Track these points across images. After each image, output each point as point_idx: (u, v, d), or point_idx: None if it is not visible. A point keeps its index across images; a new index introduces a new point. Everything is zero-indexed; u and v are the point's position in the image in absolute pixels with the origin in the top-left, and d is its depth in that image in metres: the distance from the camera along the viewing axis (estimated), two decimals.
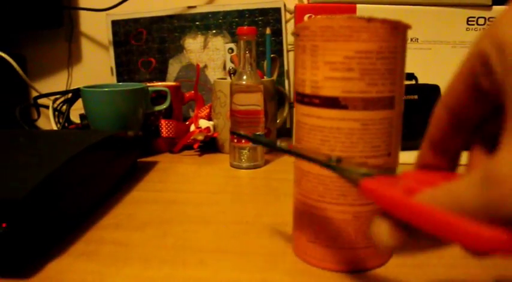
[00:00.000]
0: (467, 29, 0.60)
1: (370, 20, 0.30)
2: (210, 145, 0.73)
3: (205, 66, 0.87)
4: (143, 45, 0.88)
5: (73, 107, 0.78)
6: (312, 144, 0.32)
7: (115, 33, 0.89)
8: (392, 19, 0.30)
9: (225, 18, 0.85)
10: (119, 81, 0.90)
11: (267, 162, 0.65)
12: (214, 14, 0.85)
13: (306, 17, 0.59)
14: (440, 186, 0.18)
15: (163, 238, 0.40)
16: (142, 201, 0.50)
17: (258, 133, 0.62)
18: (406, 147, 0.56)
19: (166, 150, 0.72)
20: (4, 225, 0.32)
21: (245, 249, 0.38)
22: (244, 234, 0.41)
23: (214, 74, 0.87)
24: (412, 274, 0.34)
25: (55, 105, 0.79)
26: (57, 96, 0.80)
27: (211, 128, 0.71)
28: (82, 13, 0.96)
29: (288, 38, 0.85)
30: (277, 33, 0.84)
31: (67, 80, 0.99)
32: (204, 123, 0.71)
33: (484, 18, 0.59)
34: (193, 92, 0.76)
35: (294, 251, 0.37)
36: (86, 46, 0.98)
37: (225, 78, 0.74)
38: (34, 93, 0.89)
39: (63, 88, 0.97)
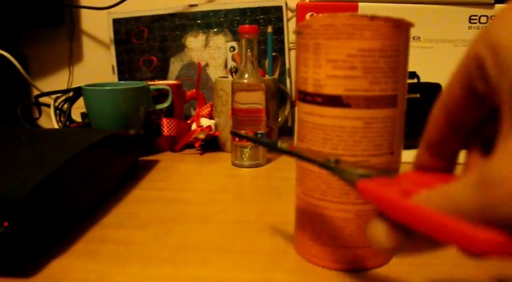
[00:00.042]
0: (469, 28, 0.60)
1: (372, 18, 0.30)
2: (211, 144, 0.73)
3: (207, 65, 0.87)
4: (144, 43, 0.88)
5: (74, 106, 0.78)
6: (314, 142, 0.32)
7: (116, 32, 0.89)
8: (395, 17, 0.30)
9: (227, 16, 0.85)
10: (120, 79, 0.90)
11: (268, 160, 0.65)
12: (216, 12, 0.85)
13: (307, 16, 0.59)
14: (437, 188, 0.18)
15: (165, 237, 0.40)
16: (143, 200, 0.50)
17: (259, 132, 0.62)
18: (408, 146, 0.56)
19: (167, 149, 0.72)
20: (6, 224, 0.32)
21: (247, 248, 0.38)
22: (246, 233, 0.41)
23: (215, 73, 0.87)
24: (414, 273, 0.33)
25: (56, 103, 0.79)
26: (59, 94, 0.80)
27: (213, 127, 0.70)
28: (83, 11, 0.96)
29: (290, 37, 0.85)
30: (279, 31, 0.84)
31: (68, 79, 0.99)
32: (205, 121, 0.71)
33: (486, 16, 0.59)
34: (194, 90, 0.76)
35: (296, 249, 0.37)
36: (87, 44, 0.98)
37: (226, 77, 0.74)
38: (35, 92, 0.89)
39: (64, 87, 0.97)
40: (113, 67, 0.90)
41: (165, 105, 0.70)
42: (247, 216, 0.45)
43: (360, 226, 0.33)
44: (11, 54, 0.82)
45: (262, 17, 0.84)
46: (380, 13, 0.30)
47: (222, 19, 0.85)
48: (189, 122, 0.74)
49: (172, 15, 0.87)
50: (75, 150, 0.43)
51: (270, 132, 0.71)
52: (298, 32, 0.33)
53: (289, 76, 0.85)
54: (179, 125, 0.71)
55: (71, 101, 0.78)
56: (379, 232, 0.21)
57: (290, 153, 0.29)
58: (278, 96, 0.74)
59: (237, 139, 0.63)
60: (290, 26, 0.85)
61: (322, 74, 0.31)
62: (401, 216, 0.19)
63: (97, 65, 0.97)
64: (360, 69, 0.30)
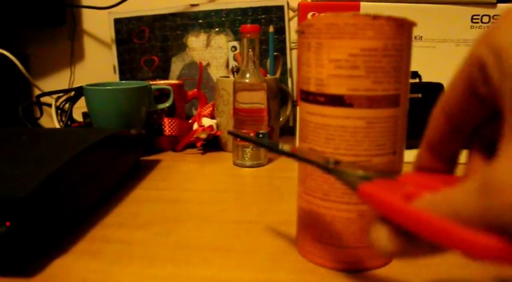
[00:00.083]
0: (471, 27, 0.59)
1: (375, 17, 0.29)
2: (213, 143, 0.73)
3: (208, 65, 0.87)
4: (146, 43, 0.88)
5: (76, 105, 0.78)
6: (316, 142, 0.32)
7: (118, 32, 0.89)
8: (398, 16, 0.30)
9: (228, 16, 0.85)
10: (121, 79, 0.90)
11: (270, 160, 0.65)
12: (217, 12, 0.85)
13: (309, 15, 0.59)
14: (438, 193, 0.18)
15: (166, 236, 0.40)
16: (145, 199, 0.50)
17: (261, 131, 0.62)
18: (409, 146, 0.56)
19: (169, 149, 0.72)
20: (7, 223, 0.32)
21: (249, 247, 0.38)
22: (248, 233, 0.41)
23: (217, 72, 0.87)
24: (417, 273, 0.33)
25: (58, 103, 0.79)
26: (60, 94, 0.80)
27: (214, 126, 0.70)
28: (84, 11, 0.96)
29: (291, 36, 0.85)
30: (280, 31, 0.84)
31: (70, 78, 0.99)
32: (207, 121, 0.71)
33: (489, 16, 0.59)
34: (196, 90, 0.76)
35: (298, 249, 0.37)
36: (88, 44, 0.98)
37: (228, 77, 0.74)
38: (37, 92, 0.89)
39: (65, 86, 0.97)
40: (114, 67, 0.90)
41: (167, 104, 0.70)
42: (249, 216, 0.45)
43: (362, 226, 0.33)
44: (12, 53, 0.82)
45: (263, 16, 0.84)
46: (382, 12, 0.30)
47: (223, 19, 0.85)
48: (190, 121, 0.74)
49: (173, 15, 0.87)
50: (76, 150, 0.43)
51: (271, 132, 0.71)
52: (300, 32, 0.33)
53: (291, 76, 0.85)
54: (181, 125, 0.71)
55: (73, 100, 0.78)
56: (381, 236, 0.21)
57: (290, 155, 0.29)
58: (279, 96, 0.73)
59: (238, 139, 0.63)
60: (291, 26, 0.85)
61: (324, 73, 0.31)
62: (402, 221, 0.19)
63: (98, 65, 0.97)
64: (363, 68, 0.30)
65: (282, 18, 0.83)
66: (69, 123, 0.78)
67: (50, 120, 0.86)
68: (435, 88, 0.61)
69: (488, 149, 0.21)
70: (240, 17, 0.85)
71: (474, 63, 0.19)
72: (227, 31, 0.86)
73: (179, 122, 0.71)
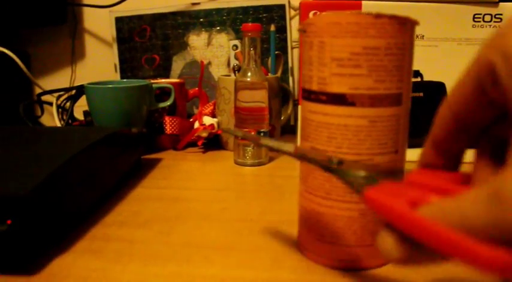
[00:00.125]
0: (473, 26, 0.59)
1: (377, 16, 0.29)
2: (214, 142, 0.73)
3: (209, 63, 0.87)
4: (147, 42, 0.88)
5: (77, 104, 0.78)
6: (318, 141, 0.32)
7: (119, 30, 0.89)
8: (401, 15, 0.30)
9: (229, 15, 0.85)
10: (122, 78, 0.90)
11: (271, 159, 0.65)
12: (218, 10, 0.85)
13: (310, 14, 0.59)
14: (446, 200, 0.18)
15: (167, 235, 0.40)
16: (146, 198, 0.49)
17: (262, 130, 0.62)
18: (411, 145, 0.55)
19: (170, 147, 0.72)
20: (9, 222, 0.32)
21: (250, 246, 0.38)
22: (249, 232, 0.41)
23: (218, 71, 0.87)
24: (417, 272, 0.33)
25: (59, 102, 0.79)
26: (61, 93, 0.80)
27: (215, 125, 0.70)
28: (86, 10, 0.96)
29: (292, 35, 0.85)
30: (282, 30, 0.83)
31: (71, 77, 0.99)
32: (208, 120, 0.70)
33: (491, 15, 0.59)
34: (197, 88, 0.76)
35: (300, 248, 0.37)
36: (89, 43, 0.98)
37: (229, 75, 0.73)
38: (38, 90, 0.89)
39: (66, 85, 0.97)
40: (115, 65, 0.90)
41: (168, 103, 0.70)
42: (250, 214, 0.45)
43: (364, 225, 0.33)
44: (13, 52, 0.82)
45: (264, 15, 0.84)
46: (383, 11, 0.30)
47: (224, 17, 0.85)
48: (191, 120, 0.74)
49: (174, 14, 0.87)
50: (77, 148, 0.43)
51: (272, 131, 0.71)
52: (302, 30, 0.33)
53: (292, 75, 0.85)
54: (182, 123, 0.71)
55: (74, 99, 0.78)
56: (387, 243, 0.21)
57: (293, 155, 0.29)
58: (281, 94, 0.73)
59: (239, 138, 0.63)
60: (293, 25, 0.85)
61: (326, 72, 0.31)
62: (408, 229, 0.19)
63: (99, 63, 0.97)
64: (365, 67, 0.30)
65: (283, 17, 0.83)
66: (70, 121, 0.78)
67: (51, 118, 0.86)
68: (437, 87, 0.61)
69: (497, 149, 0.21)
70: (241, 16, 0.84)
71: (483, 65, 0.19)
72: (228, 30, 0.85)
73: (180, 121, 0.71)
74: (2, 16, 0.83)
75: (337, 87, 0.31)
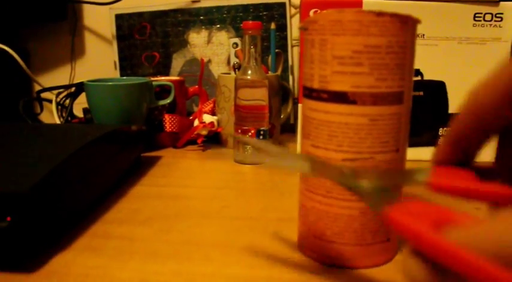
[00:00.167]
0: (474, 25, 0.59)
1: (379, 14, 0.29)
2: (213, 140, 0.73)
3: (209, 61, 0.87)
4: (147, 39, 0.88)
5: (76, 101, 0.78)
6: (319, 139, 0.32)
7: (119, 27, 0.89)
8: (402, 13, 0.30)
9: (229, 12, 0.85)
10: (122, 75, 0.90)
11: None
12: (219, 8, 0.85)
13: (311, 12, 0.59)
14: (474, 226, 0.17)
15: (167, 233, 0.40)
16: (146, 196, 0.49)
17: (262, 128, 0.62)
18: (411, 144, 0.55)
19: (169, 145, 0.72)
20: (8, 219, 0.32)
21: (250, 244, 0.38)
22: (249, 230, 0.41)
23: (218, 69, 0.87)
24: None
25: (58, 99, 0.79)
26: (61, 90, 0.80)
27: (215, 123, 0.70)
28: (85, 7, 0.96)
29: (293, 33, 0.85)
30: (282, 28, 0.83)
31: (70, 74, 0.99)
32: (208, 118, 0.70)
33: (491, 14, 0.59)
34: (197, 86, 0.75)
35: (299, 246, 0.37)
36: (89, 40, 0.98)
37: (229, 73, 0.73)
38: (37, 87, 0.89)
39: (66, 82, 0.97)
40: (115, 63, 0.90)
41: (168, 101, 0.70)
42: (250, 212, 0.45)
43: (364, 223, 0.33)
44: (12, 49, 0.82)
45: (265, 13, 0.84)
46: (383, 9, 0.30)
47: (224, 15, 0.85)
48: (191, 118, 0.73)
49: (174, 11, 0.86)
50: (77, 145, 0.43)
51: (272, 129, 0.71)
52: (304, 28, 0.33)
53: (292, 73, 0.85)
54: (181, 121, 0.71)
55: (73, 96, 0.78)
56: (413, 267, 0.20)
57: (311, 175, 0.28)
58: (281, 93, 0.73)
59: (239, 135, 0.63)
60: (293, 23, 0.85)
61: (328, 70, 0.31)
62: (433, 254, 0.18)
63: (99, 61, 0.97)
64: (366, 65, 0.30)
65: (284, 15, 0.83)
66: (69, 119, 0.78)
67: (51, 116, 0.86)
68: (437, 86, 0.61)
69: None
70: (241, 14, 0.84)
71: None
72: (228, 28, 0.85)
73: (180, 119, 0.71)
74: (2, 13, 0.82)
75: (338, 85, 0.31)
